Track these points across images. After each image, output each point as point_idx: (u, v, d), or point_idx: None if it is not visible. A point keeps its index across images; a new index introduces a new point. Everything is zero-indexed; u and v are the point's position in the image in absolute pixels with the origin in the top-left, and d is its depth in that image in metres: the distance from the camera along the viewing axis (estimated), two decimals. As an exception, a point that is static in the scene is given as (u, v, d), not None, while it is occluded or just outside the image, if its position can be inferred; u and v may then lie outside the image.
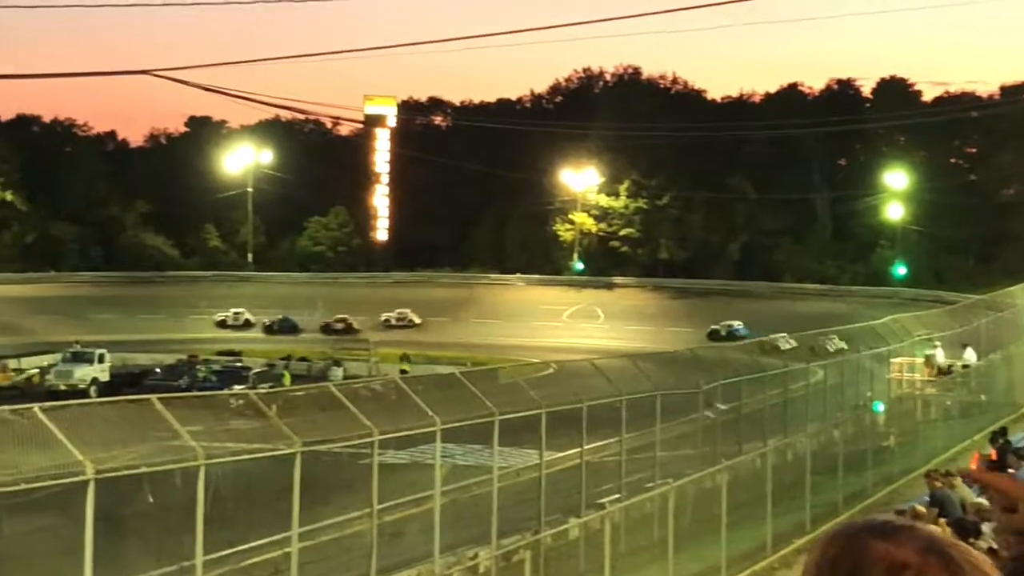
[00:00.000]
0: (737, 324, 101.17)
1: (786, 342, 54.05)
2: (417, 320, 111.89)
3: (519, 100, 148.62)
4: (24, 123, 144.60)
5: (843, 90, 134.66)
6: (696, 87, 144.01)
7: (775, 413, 40.42)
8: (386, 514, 25.69)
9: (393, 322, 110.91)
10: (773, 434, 37.85)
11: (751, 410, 40.00)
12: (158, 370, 76.68)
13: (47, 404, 18.36)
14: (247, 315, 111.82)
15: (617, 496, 31.69)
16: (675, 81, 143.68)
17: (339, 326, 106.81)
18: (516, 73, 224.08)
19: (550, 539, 28.13)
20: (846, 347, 48.02)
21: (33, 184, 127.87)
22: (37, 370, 75.78)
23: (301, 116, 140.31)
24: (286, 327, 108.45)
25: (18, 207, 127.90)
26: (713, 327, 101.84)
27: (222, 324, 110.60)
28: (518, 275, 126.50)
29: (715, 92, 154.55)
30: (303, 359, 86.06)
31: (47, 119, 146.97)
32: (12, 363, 78.05)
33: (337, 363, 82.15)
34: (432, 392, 27.54)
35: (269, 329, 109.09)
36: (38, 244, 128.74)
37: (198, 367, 76.13)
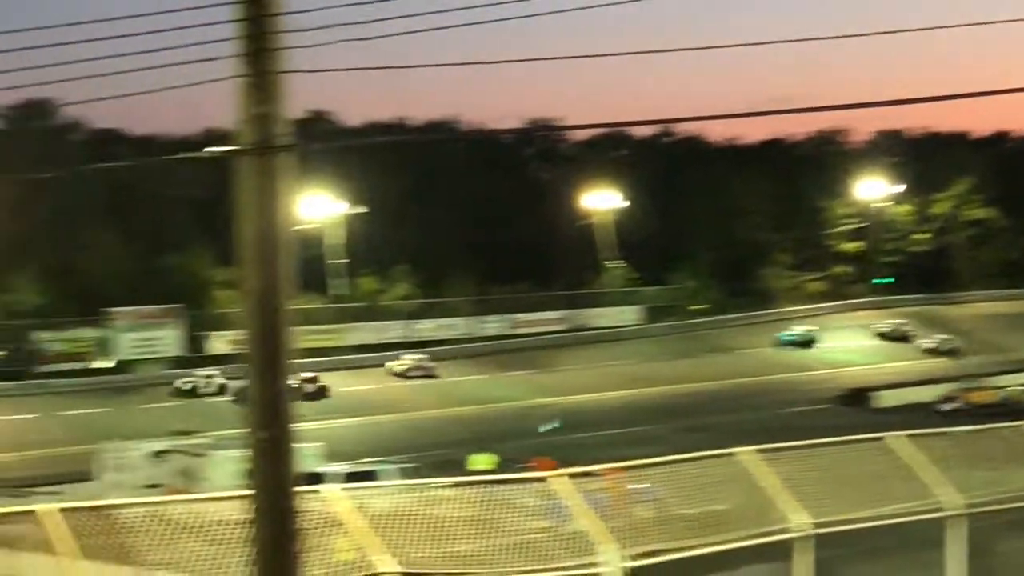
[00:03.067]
0: None
1: None
2: None
3: None
4: (999, 140, 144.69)
5: None
6: None
7: None
8: None
9: None
10: None
11: None
12: None
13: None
14: None
15: None
16: None
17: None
18: None
19: None
20: None
21: (1012, 199, 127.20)
22: (1022, 387, 75.88)
23: None
24: None
25: (997, 224, 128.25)
26: None
27: None
28: None
29: None
30: None
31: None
32: (995, 381, 78.82)
33: None
34: None
35: None
36: (1021, 260, 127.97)
37: None
